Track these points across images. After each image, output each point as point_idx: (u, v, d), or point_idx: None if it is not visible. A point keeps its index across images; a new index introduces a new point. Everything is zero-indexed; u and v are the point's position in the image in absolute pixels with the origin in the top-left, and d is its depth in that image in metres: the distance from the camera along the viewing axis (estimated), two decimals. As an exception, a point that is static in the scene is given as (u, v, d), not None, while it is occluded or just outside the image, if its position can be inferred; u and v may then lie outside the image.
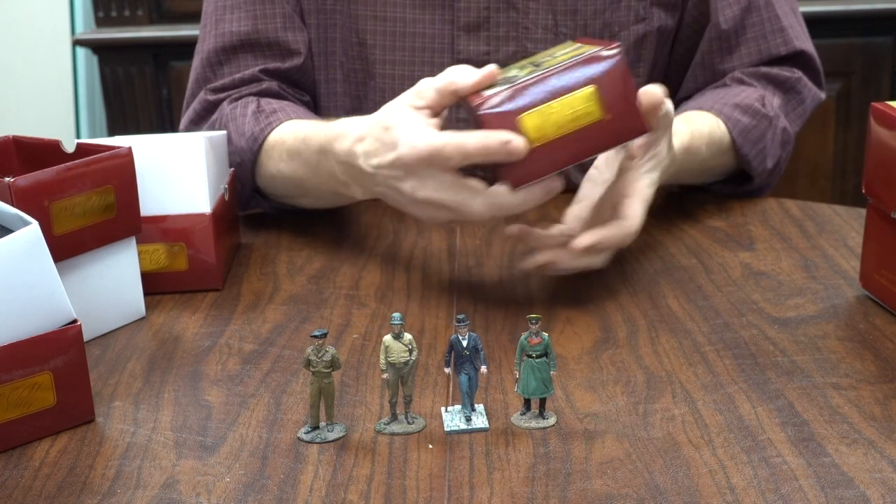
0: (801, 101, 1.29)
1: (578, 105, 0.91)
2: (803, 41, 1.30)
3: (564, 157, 0.91)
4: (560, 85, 0.91)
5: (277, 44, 1.26)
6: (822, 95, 1.33)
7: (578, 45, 0.99)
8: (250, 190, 1.23)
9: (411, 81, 1.24)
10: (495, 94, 0.92)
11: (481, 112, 0.92)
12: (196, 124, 1.27)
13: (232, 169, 1.16)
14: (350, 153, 1.02)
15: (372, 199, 1.06)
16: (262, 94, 1.25)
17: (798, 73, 1.29)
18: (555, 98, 0.91)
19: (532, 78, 0.92)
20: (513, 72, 0.98)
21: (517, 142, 0.90)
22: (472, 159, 0.92)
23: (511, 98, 0.91)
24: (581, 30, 1.26)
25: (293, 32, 1.27)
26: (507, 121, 0.90)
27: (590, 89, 0.91)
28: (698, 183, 1.27)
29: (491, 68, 0.96)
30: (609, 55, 0.91)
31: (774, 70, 1.28)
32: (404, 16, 1.26)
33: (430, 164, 0.94)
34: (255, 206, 1.26)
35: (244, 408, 0.81)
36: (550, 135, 0.90)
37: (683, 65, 1.31)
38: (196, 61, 1.30)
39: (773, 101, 1.25)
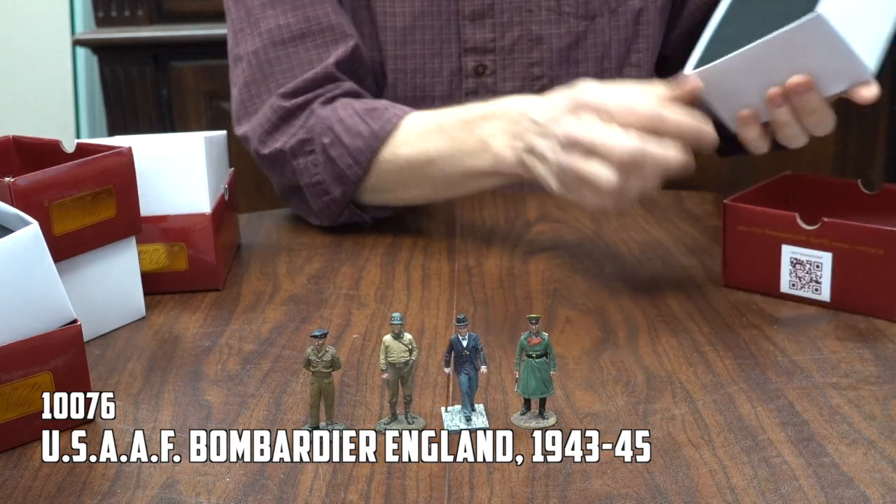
0: None
1: None
2: None
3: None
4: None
5: (331, 28, 1.21)
6: None
7: None
8: (348, 199, 1.18)
9: (423, 74, 1.23)
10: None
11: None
12: (270, 134, 1.19)
13: (232, 169, 1.16)
14: (526, 108, 1.06)
15: (507, 177, 1.10)
16: (346, 94, 1.20)
17: None
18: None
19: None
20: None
21: (711, 137, 0.94)
22: (644, 119, 0.95)
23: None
24: (582, 7, 1.27)
25: (343, 16, 1.23)
26: None
27: None
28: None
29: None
30: None
31: None
32: (413, 9, 1.26)
33: (599, 108, 0.97)
34: (348, 219, 1.21)
35: (244, 408, 0.81)
36: None
37: (688, 42, 1.32)
38: (241, 66, 1.22)
39: None
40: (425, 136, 1.14)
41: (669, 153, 0.93)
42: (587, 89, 1.00)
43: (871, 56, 0.93)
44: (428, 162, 1.13)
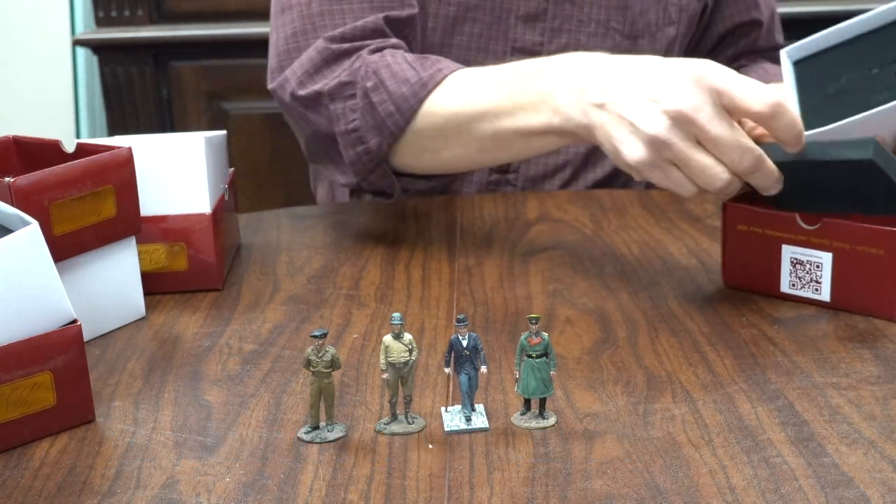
0: None
1: None
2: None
3: None
4: None
5: None
6: None
7: None
8: (384, 153, 1.13)
9: (466, 66, 1.19)
10: None
11: None
12: (311, 76, 1.15)
13: (232, 169, 1.16)
14: (599, 57, 0.99)
15: (555, 127, 1.02)
16: (395, 48, 1.16)
17: None
18: None
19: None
20: None
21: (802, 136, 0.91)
22: (750, 107, 0.89)
23: None
24: (629, 26, 1.29)
25: None
26: None
27: None
28: None
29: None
30: None
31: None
32: (467, 1, 1.26)
33: (724, 92, 0.89)
34: (378, 179, 1.17)
35: (244, 408, 0.81)
36: None
37: None
38: (291, 15, 1.18)
39: None
40: (479, 87, 1.08)
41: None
42: (711, 67, 0.91)
43: None
44: (478, 115, 1.07)
